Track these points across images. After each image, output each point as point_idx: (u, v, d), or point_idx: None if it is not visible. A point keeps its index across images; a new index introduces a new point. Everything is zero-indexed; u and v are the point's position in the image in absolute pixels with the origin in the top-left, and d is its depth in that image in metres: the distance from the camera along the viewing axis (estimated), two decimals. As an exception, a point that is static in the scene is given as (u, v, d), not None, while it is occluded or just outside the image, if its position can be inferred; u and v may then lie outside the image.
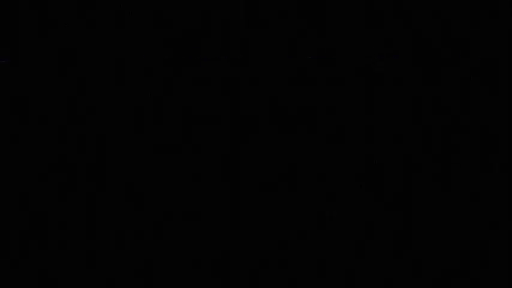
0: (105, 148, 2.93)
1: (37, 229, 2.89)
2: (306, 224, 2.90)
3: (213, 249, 2.89)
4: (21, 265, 2.87)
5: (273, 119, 2.93)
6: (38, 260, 2.88)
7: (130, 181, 2.91)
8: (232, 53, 2.95)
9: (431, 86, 2.91)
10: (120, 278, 2.88)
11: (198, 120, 2.93)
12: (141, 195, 2.91)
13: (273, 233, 2.90)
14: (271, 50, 2.95)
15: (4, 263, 2.87)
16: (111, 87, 2.94)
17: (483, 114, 2.89)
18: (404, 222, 2.88)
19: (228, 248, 2.90)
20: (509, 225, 2.86)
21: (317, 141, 2.92)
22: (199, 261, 2.89)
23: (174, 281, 2.88)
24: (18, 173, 2.91)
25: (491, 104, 2.89)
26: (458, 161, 2.88)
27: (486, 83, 2.90)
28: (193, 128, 2.93)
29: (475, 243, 2.86)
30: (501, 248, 2.85)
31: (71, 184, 2.91)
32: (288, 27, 2.95)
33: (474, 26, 2.91)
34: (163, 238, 2.90)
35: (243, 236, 2.90)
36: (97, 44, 2.96)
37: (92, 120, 2.93)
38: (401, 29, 2.93)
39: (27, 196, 2.90)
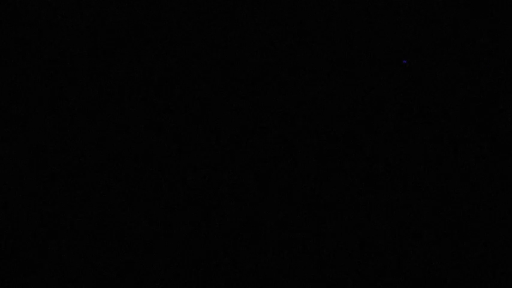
0: (106, 148, 2.93)
1: (37, 229, 2.89)
2: (307, 224, 2.90)
3: (214, 248, 2.90)
4: (21, 265, 2.88)
5: (274, 119, 2.94)
6: (37, 259, 2.88)
7: (130, 180, 2.92)
8: (228, 53, 2.95)
9: (432, 86, 2.91)
10: (120, 278, 2.88)
11: (198, 120, 2.94)
12: (141, 195, 2.91)
13: (274, 233, 2.90)
14: (271, 50, 2.96)
15: (4, 263, 2.87)
16: (110, 86, 2.95)
17: (485, 114, 2.90)
18: (404, 222, 2.88)
19: (228, 247, 2.90)
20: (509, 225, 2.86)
21: (317, 140, 2.93)
22: (199, 261, 2.89)
23: (174, 281, 2.88)
24: (17, 172, 2.92)
25: (492, 104, 2.90)
26: (464, 162, 2.89)
27: (488, 83, 2.90)
28: (193, 128, 2.94)
29: (474, 243, 2.86)
30: (502, 247, 2.85)
31: (70, 184, 2.91)
32: (288, 26, 2.96)
33: (474, 26, 2.92)
34: (163, 238, 2.90)
35: (243, 236, 2.90)
36: (96, 43, 2.96)
37: (92, 119, 2.93)
38: (401, 29, 2.93)
39: (26, 196, 2.90)
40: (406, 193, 2.89)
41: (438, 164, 2.89)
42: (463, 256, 2.85)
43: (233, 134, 2.94)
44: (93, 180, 2.91)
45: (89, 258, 2.88)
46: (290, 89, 2.94)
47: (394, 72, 2.93)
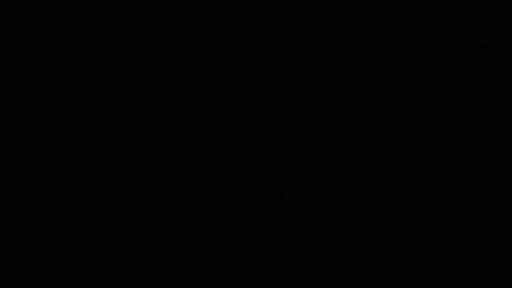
0: (105, 147, 2.93)
1: (35, 229, 2.89)
2: (308, 224, 2.90)
3: (214, 248, 2.89)
4: (20, 265, 2.87)
5: (274, 120, 2.93)
6: (37, 259, 2.88)
7: (129, 180, 2.91)
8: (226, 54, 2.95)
9: (431, 85, 2.91)
10: (120, 278, 2.88)
11: (197, 120, 2.93)
12: (141, 195, 2.91)
13: (274, 233, 2.90)
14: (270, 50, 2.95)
15: (3, 263, 2.87)
16: (108, 85, 2.95)
17: (484, 113, 2.89)
18: (407, 222, 2.88)
19: (228, 247, 2.90)
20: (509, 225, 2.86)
21: (317, 140, 2.92)
22: (200, 261, 2.89)
23: (174, 281, 2.88)
24: (16, 171, 2.91)
25: (492, 103, 2.90)
26: (466, 161, 2.88)
27: (488, 83, 2.90)
28: (192, 128, 2.93)
29: (476, 243, 2.86)
30: (501, 247, 2.85)
31: (69, 183, 2.91)
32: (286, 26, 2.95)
33: (474, 26, 2.91)
34: (163, 239, 2.90)
35: (243, 236, 2.90)
36: (94, 43, 2.96)
37: (91, 119, 2.93)
38: (400, 29, 2.93)
39: (25, 195, 2.90)
40: (405, 193, 2.89)
41: (437, 165, 2.89)
42: (463, 256, 2.85)
43: (233, 134, 2.93)
44: (93, 180, 2.91)
45: (89, 259, 2.88)
46: (290, 89, 2.94)
47: (394, 72, 2.92)
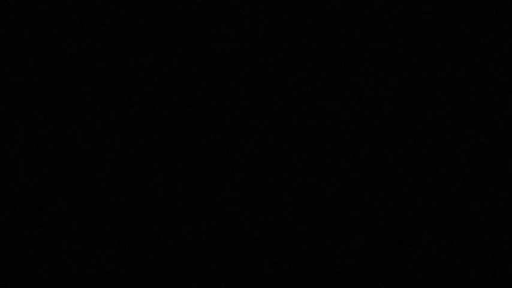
0: (105, 147, 2.92)
1: (35, 229, 2.89)
2: (308, 224, 2.90)
3: (214, 248, 2.89)
4: (20, 265, 2.87)
5: (274, 120, 2.93)
6: (37, 259, 2.87)
7: (129, 180, 2.91)
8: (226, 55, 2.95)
9: (431, 85, 2.91)
10: (120, 278, 2.87)
11: (197, 120, 2.93)
12: (141, 195, 2.91)
13: (274, 233, 2.90)
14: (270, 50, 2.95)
15: (3, 263, 2.87)
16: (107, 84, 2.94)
17: (485, 113, 2.89)
18: (407, 222, 2.88)
19: (228, 247, 2.89)
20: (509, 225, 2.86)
21: (317, 140, 2.92)
22: (200, 261, 2.89)
23: (174, 281, 2.88)
24: (16, 171, 2.91)
25: (492, 103, 2.89)
26: (466, 162, 2.88)
27: (488, 83, 2.90)
28: (192, 128, 2.93)
29: (477, 243, 2.86)
30: (501, 247, 2.85)
31: (69, 183, 2.91)
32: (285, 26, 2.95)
33: (474, 26, 2.91)
34: (163, 239, 2.89)
35: (243, 236, 2.90)
36: (94, 43, 2.96)
37: (91, 119, 2.93)
38: (400, 29, 2.93)
39: (25, 195, 2.90)
40: (405, 193, 2.89)
41: (437, 165, 2.89)
42: (463, 256, 2.85)
43: (233, 134, 2.93)
44: (93, 180, 2.91)
45: (89, 258, 2.88)
46: (290, 89, 2.94)
47: (394, 72, 2.92)
